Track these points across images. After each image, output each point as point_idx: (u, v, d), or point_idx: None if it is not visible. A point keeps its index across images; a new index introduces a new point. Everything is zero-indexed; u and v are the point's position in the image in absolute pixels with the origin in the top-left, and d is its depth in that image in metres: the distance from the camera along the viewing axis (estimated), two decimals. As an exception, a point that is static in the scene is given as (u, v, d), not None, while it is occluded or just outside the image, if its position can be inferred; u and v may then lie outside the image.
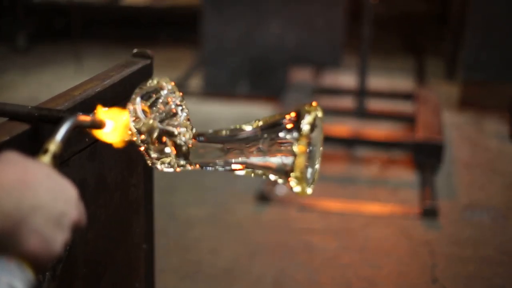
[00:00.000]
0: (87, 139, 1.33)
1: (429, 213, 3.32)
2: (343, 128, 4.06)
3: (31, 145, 1.13)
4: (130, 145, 1.14)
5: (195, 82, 5.20)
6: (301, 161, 0.95)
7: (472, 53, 4.75)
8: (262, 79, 4.99)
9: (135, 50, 1.65)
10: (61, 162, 1.25)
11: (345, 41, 5.05)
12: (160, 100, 1.06)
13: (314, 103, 0.99)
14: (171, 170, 1.07)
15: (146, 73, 1.65)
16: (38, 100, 1.19)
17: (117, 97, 1.47)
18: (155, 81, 1.07)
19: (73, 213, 0.85)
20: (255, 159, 0.99)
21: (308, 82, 4.70)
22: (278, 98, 4.66)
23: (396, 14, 6.70)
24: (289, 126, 0.96)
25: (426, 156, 3.76)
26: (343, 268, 2.91)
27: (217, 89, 4.97)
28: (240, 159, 1.01)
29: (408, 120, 4.32)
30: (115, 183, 1.54)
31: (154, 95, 1.06)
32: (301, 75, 4.74)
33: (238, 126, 1.02)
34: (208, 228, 3.22)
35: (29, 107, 1.13)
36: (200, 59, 5.23)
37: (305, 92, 4.56)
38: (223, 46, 4.98)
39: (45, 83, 5.26)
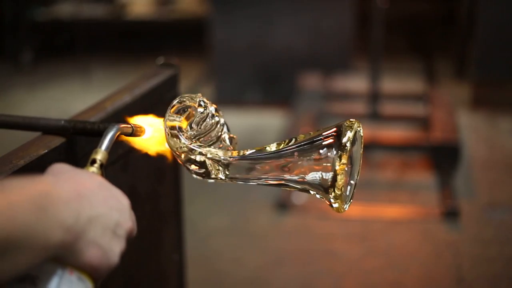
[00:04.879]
0: (120, 150, 1.32)
1: (450, 214, 3.29)
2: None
3: (67, 158, 1.12)
4: (160, 156, 1.13)
5: (205, 91, 5.18)
6: (342, 178, 0.93)
7: (483, 52, 4.73)
8: (272, 85, 4.97)
9: (161, 60, 1.63)
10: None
11: (354, 45, 5.03)
12: (198, 117, 1.06)
13: (354, 120, 0.96)
14: (211, 180, 1.05)
15: (172, 83, 1.64)
16: (49, 116, 1.18)
17: (146, 107, 1.45)
18: (189, 98, 1.06)
19: (127, 222, 0.85)
20: (293, 175, 0.97)
21: (319, 87, 4.67)
22: (289, 104, 4.64)
23: (402, 15, 6.68)
24: (328, 142, 0.94)
25: (444, 158, 3.73)
26: (368, 273, 2.88)
27: (227, 97, 4.95)
28: (277, 175, 0.99)
29: (422, 121, 4.29)
30: (146, 194, 1.53)
31: (189, 110, 1.05)
32: (311, 81, 4.71)
33: (272, 144, 1.00)
34: (229, 237, 3.20)
35: (63, 120, 1.12)
36: (210, 67, 5.22)
37: (316, 97, 4.54)
38: (232, 53, 4.96)
39: (54, 98, 5.25)
